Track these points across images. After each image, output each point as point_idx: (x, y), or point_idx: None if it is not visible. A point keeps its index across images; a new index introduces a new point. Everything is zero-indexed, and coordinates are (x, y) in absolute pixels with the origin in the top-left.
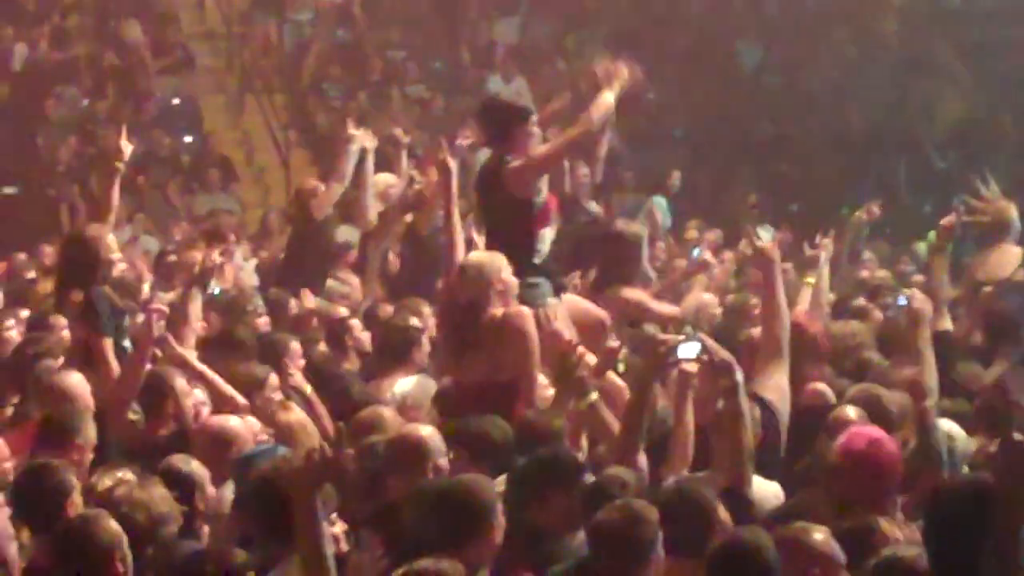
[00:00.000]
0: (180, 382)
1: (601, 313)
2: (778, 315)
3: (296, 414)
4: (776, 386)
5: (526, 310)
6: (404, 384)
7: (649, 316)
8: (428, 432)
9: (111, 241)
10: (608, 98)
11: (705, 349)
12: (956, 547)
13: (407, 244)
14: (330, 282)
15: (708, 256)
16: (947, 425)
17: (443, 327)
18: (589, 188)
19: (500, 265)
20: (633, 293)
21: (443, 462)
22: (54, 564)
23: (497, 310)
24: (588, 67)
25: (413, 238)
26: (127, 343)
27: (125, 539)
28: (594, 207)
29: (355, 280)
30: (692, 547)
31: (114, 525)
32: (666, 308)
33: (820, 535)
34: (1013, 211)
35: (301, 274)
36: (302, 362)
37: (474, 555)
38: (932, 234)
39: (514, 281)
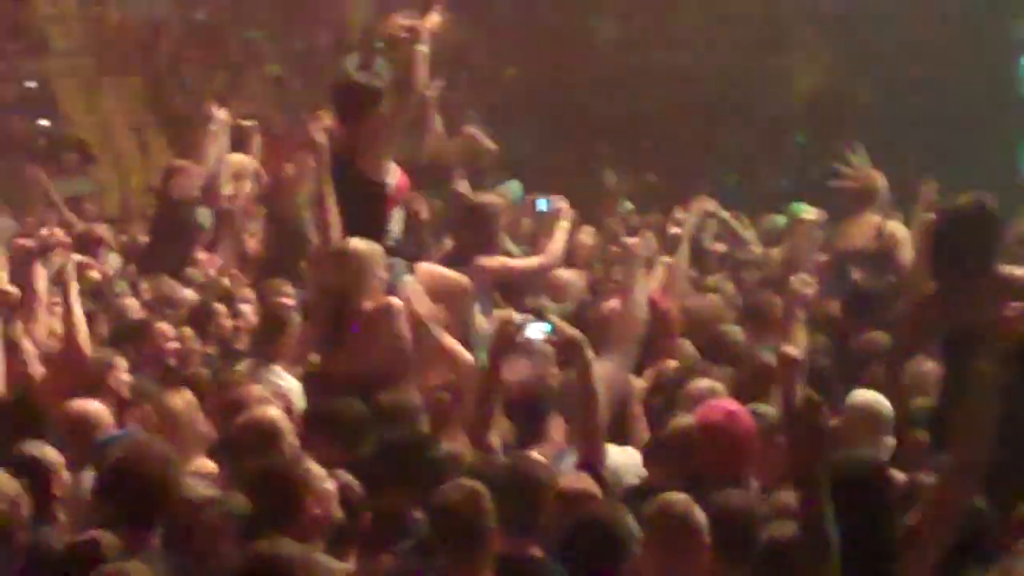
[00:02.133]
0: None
1: (460, 278)
2: (634, 311)
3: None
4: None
5: (395, 300)
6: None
7: (515, 273)
8: (277, 414)
9: None
10: (422, 51)
11: (554, 328)
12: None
13: (269, 226)
14: (189, 269)
15: (562, 202)
16: None
17: (314, 312)
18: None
19: (379, 256)
20: (492, 260)
21: (294, 441)
22: None
23: (370, 303)
24: (391, 22)
25: (275, 220)
26: None
27: None
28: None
29: (208, 260)
30: (524, 525)
31: None
32: (530, 261)
33: (682, 505)
34: (881, 180)
35: (165, 256)
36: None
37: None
38: (794, 207)
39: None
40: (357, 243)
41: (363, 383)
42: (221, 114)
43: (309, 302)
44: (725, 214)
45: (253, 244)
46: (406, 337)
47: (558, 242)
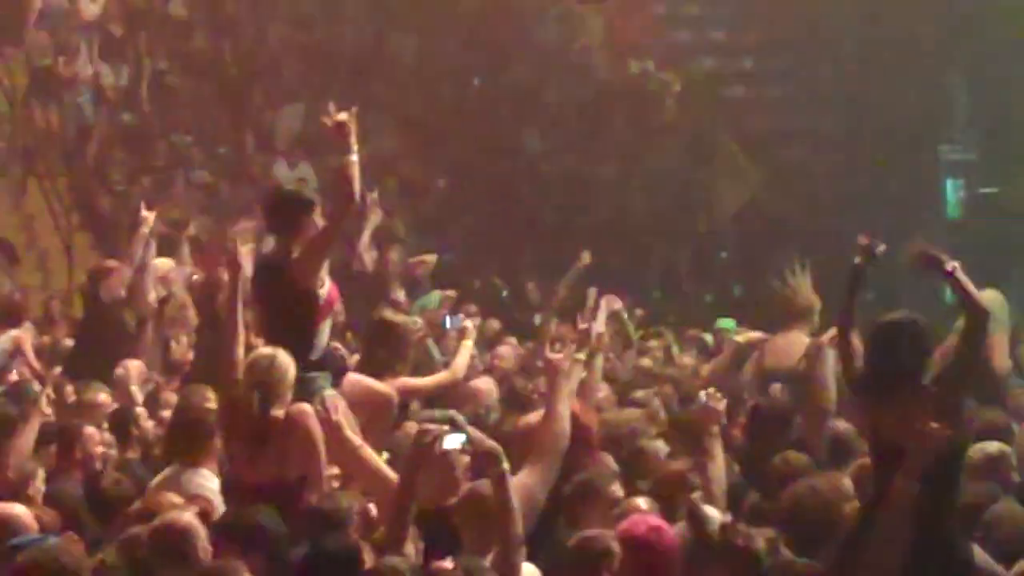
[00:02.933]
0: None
1: (386, 389)
2: (554, 422)
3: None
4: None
5: (307, 407)
6: None
7: (419, 392)
8: (190, 518)
9: None
10: (351, 160)
11: (470, 440)
12: None
13: (200, 332)
14: (117, 370)
15: (467, 322)
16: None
17: (226, 423)
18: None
19: (290, 363)
20: (395, 380)
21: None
22: None
23: (280, 410)
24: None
25: (208, 326)
26: None
27: None
28: (401, 295)
29: (136, 365)
30: None
31: None
32: (432, 379)
33: None
34: (817, 302)
35: (92, 357)
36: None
37: None
38: (722, 323)
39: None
40: (267, 349)
41: (278, 490)
42: (149, 217)
43: (220, 415)
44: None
45: (179, 350)
46: (319, 435)
47: (462, 359)
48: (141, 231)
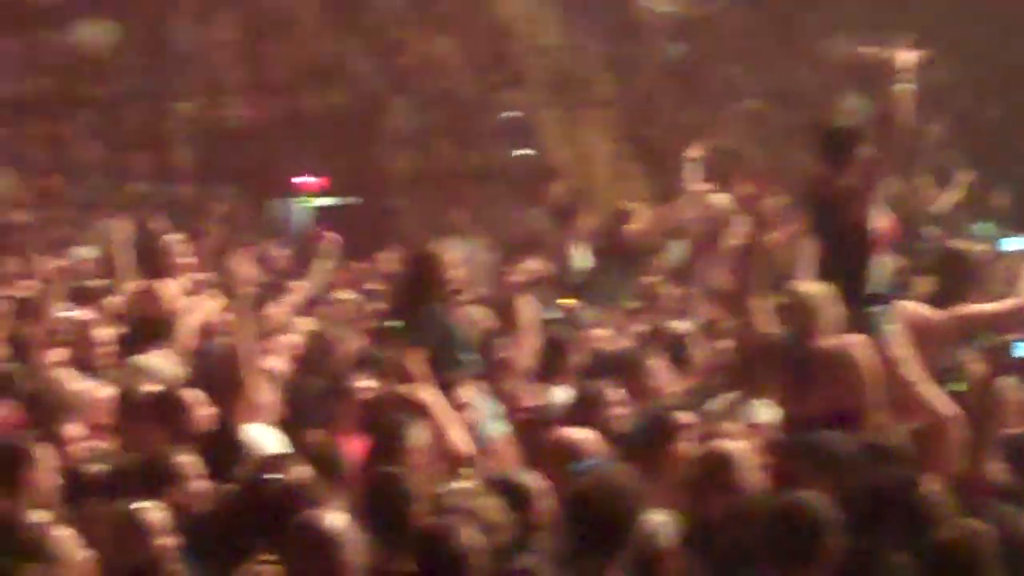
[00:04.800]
0: None
1: (943, 316)
2: None
3: None
4: None
5: (855, 339)
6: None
7: (980, 319)
8: (735, 447)
9: (453, 258)
10: (907, 90)
11: None
12: None
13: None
14: None
15: None
16: None
17: (768, 360)
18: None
19: (828, 296)
20: (956, 309)
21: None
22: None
23: (828, 341)
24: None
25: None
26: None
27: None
28: (933, 231)
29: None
30: None
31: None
32: (996, 304)
33: None
34: None
35: None
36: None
37: None
38: None
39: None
40: (807, 286)
41: (828, 424)
42: (695, 151)
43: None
44: None
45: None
46: (869, 377)
47: None
48: (691, 160)
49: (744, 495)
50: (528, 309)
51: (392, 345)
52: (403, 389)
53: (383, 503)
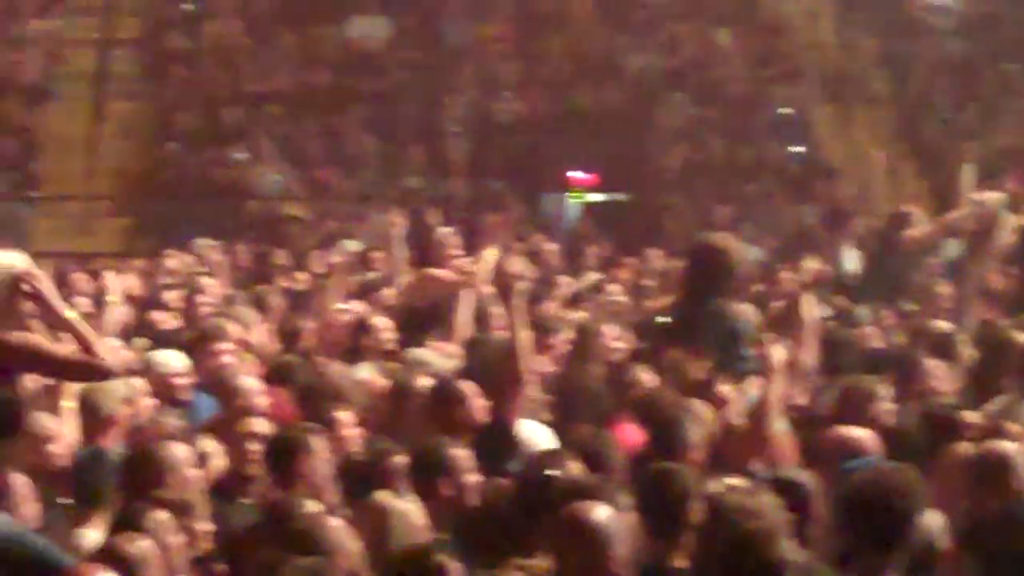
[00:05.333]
0: None
1: None
2: None
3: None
4: None
5: None
6: None
7: None
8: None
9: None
10: None
11: None
12: None
13: None
14: None
15: None
16: None
17: None
18: None
19: None
20: None
21: None
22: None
23: None
24: None
25: None
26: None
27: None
28: None
29: None
30: None
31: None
32: None
33: None
34: None
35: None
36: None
37: None
38: None
39: None
40: None
41: None
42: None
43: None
44: None
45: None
46: None
47: None
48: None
49: (1021, 497)
50: (811, 308)
51: (662, 341)
52: (688, 386)
53: (659, 498)
